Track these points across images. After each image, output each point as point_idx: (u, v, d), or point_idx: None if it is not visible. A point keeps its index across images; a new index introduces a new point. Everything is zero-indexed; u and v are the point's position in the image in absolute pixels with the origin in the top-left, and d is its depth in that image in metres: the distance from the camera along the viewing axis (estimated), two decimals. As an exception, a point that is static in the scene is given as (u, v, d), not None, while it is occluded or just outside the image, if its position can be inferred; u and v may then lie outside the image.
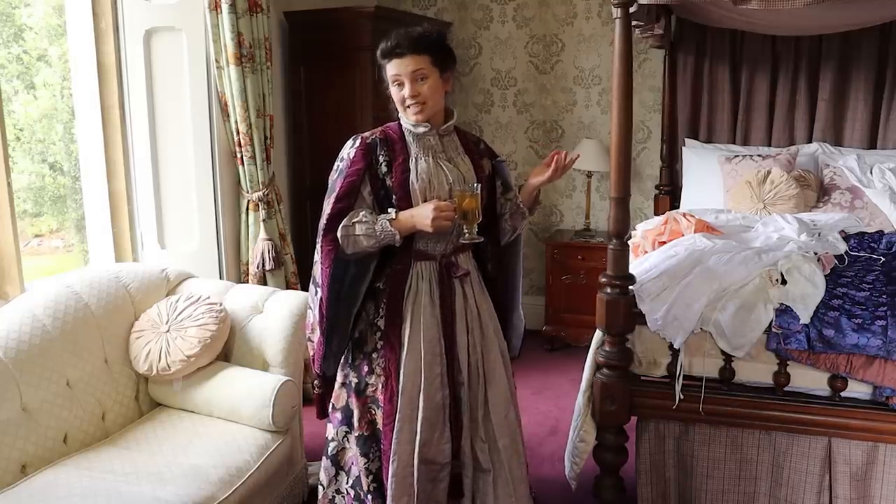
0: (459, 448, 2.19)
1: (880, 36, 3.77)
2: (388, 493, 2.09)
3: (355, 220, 2.02)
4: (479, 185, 2.07)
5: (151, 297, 2.76)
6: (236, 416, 2.52)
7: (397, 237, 2.01)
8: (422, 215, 1.99)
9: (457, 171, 2.12)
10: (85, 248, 3.23)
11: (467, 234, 2.04)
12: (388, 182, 2.06)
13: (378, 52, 2.08)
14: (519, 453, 2.26)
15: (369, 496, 2.15)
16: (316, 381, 2.21)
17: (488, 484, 2.21)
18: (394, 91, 2.08)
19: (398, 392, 2.09)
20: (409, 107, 2.06)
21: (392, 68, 2.05)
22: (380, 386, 2.12)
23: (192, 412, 2.60)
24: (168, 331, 2.60)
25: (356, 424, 2.15)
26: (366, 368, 2.15)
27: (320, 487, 2.27)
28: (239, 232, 3.47)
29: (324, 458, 2.26)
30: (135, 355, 2.60)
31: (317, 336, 2.13)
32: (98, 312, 2.56)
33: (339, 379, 2.22)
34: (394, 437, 2.08)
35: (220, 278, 3.38)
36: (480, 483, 2.22)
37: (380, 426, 2.13)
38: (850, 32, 3.76)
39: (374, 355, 2.14)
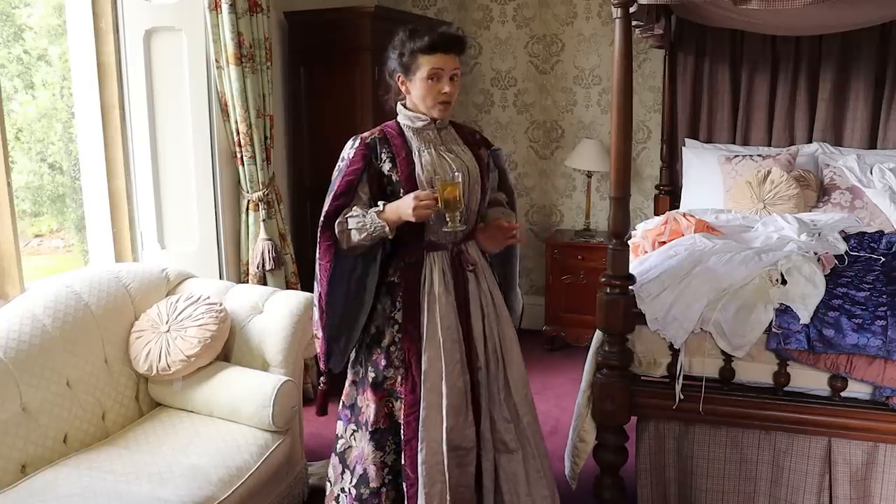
0: (479, 432, 2.20)
1: (880, 36, 3.77)
2: (420, 481, 2.08)
3: (349, 215, 2.06)
4: (460, 174, 2.08)
5: (151, 297, 2.76)
6: (236, 416, 2.52)
7: (387, 229, 2.03)
8: (404, 205, 2.01)
9: (459, 160, 2.15)
10: (85, 248, 3.23)
11: (449, 223, 2.05)
12: (395, 177, 2.09)
13: (422, 42, 2.05)
14: (540, 430, 2.29)
15: (384, 489, 2.15)
16: (322, 378, 2.22)
17: (516, 463, 2.21)
18: (426, 84, 2.07)
19: (420, 382, 2.10)
20: (439, 103, 2.08)
21: (436, 61, 2.06)
22: (399, 378, 2.14)
23: (192, 412, 2.60)
24: (168, 331, 2.60)
25: (371, 419, 2.15)
26: (384, 362, 2.15)
27: (328, 484, 2.29)
28: (239, 232, 3.47)
29: (333, 454, 2.27)
30: (135, 355, 2.60)
31: (321, 332, 2.15)
32: (98, 312, 2.56)
33: (349, 377, 2.24)
34: (420, 425, 2.09)
35: (220, 278, 3.37)
36: (506, 464, 2.21)
37: (399, 418, 2.14)
38: (850, 32, 3.76)
39: (392, 348, 2.15)
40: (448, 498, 2.09)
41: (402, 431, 2.13)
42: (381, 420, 2.15)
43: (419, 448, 2.09)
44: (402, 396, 2.13)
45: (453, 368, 2.11)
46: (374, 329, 2.17)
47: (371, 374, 2.17)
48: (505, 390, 2.22)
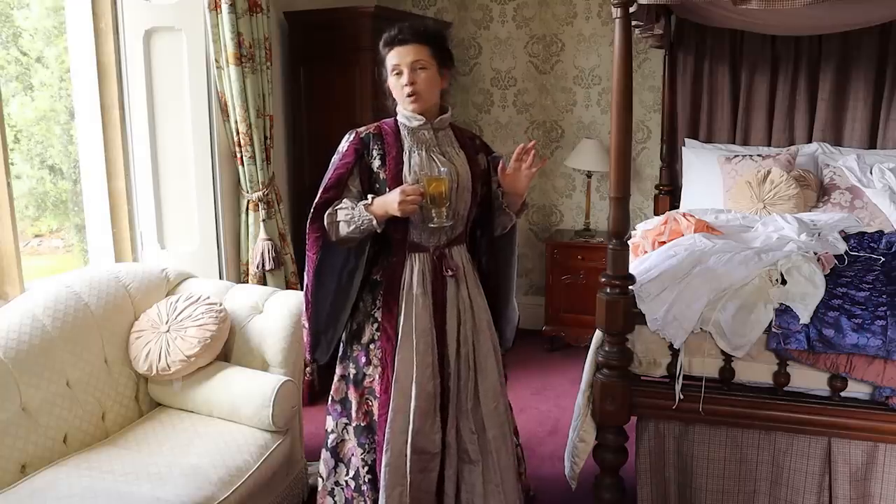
0: (445, 439, 2.20)
1: (880, 36, 3.77)
2: (381, 482, 2.10)
3: (338, 207, 2.08)
4: (446, 170, 2.09)
5: (151, 297, 2.76)
6: (236, 416, 2.52)
7: (374, 222, 2.04)
8: (390, 199, 2.02)
9: (450, 163, 2.14)
10: (85, 247, 3.23)
11: (436, 219, 2.05)
12: (383, 175, 2.10)
13: (381, 43, 2.12)
14: (507, 444, 2.28)
15: (365, 487, 2.17)
16: (307, 368, 2.24)
17: (475, 474, 2.22)
18: (392, 82, 2.12)
19: (393, 382, 2.11)
20: (406, 96, 2.09)
21: (393, 57, 2.09)
22: (377, 377, 2.15)
23: (192, 412, 2.60)
24: (168, 331, 2.60)
25: (354, 415, 2.18)
26: (363, 360, 2.17)
27: (320, 480, 2.29)
28: (239, 232, 3.47)
29: (323, 450, 2.27)
30: (135, 355, 2.60)
31: (307, 323, 2.18)
32: (98, 312, 2.56)
33: (338, 372, 2.26)
34: (387, 426, 2.10)
35: (220, 278, 3.38)
36: (467, 474, 2.23)
37: (375, 417, 2.15)
38: (850, 32, 3.76)
39: (371, 346, 2.17)
40: (407, 502, 2.10)
41: (376, 432, 2.15)
42: (362, 417, 2.17)
43: (384, 450, 2.10)
44: (378, 396, 2.14)
45: (424, 371, 2.12)
46: (355, 325, 2.19)
47: (352, 371, 2.19)
48: (474, 400, 2.22)
